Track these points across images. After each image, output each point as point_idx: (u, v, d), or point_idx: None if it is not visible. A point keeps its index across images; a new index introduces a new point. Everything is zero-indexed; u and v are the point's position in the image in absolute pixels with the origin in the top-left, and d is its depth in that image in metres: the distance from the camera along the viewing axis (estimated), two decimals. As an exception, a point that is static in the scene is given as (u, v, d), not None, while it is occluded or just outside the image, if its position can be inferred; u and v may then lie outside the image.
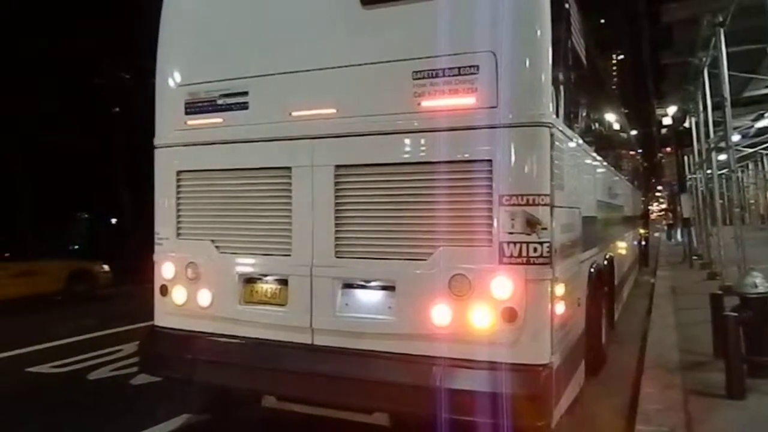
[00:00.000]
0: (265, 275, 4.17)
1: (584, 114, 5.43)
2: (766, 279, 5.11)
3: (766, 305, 5.01)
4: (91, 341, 8.21)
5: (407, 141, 3.73)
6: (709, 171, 13.25)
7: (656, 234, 34.14)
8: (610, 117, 8.76)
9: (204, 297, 4.29)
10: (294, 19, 4.14)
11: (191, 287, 4.34)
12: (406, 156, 3.73)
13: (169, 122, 4.53)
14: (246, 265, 4.21)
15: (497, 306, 3.43)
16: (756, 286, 5.04)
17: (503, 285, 3.43)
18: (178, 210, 4.46)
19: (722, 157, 13.72)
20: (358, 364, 3.74)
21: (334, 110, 3.93)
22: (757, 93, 13.11)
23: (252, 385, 4.12)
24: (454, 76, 3.56)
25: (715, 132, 12.86)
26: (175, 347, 4.38)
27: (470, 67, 3.53)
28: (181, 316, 4.40)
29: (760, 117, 15.74)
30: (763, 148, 18.47)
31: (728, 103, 9.05)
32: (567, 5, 4.51)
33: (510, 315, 3.40)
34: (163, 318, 4.53)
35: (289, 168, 4.03)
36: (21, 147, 21.01)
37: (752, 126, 17.13)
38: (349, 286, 3.89)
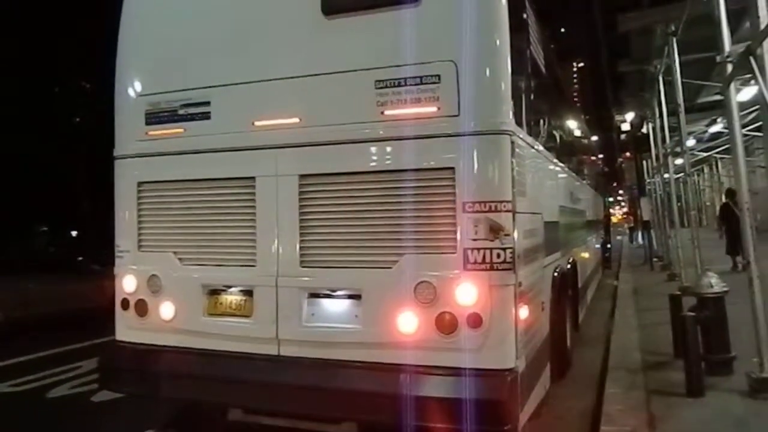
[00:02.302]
0: (230, 286, 4.12)
1: (545, 121, 5.54)
2: (721, 279, 5.27)
3: (722, 305, 5.17)
4: (49, 358, 7.97)
5: (371, 150, 3.75)
6: (666, 175, 13.63)
7: (618, 237, 34.98)
8: (571, 124, 8.96)
9: (167, 310, 4.21)
10: (256, 29, 4.12)
11: (153, 300, 4.26)
12: (370, 164, 3.75)
13: (129, 132, 4.45)
14: (210, 276, 4.15)
15: (462, 312, 3.46)
16: (712, 286, 5.20)
17: (468, 291, 3.46)
18: (140, 222, 4.38)
19: (679, 161, 14.14)
20: (326, 374, 3.73)
21: (297, 119, 3.92)
22: (710, 99, 13.58)
23: (217, 398, 4.06)
24: (416, 85, 3.60)
25: (671, 137, 13.27)
26: (137, 362, 4.28)
27: (432, 76, 3.57)
28: (143, 330, 4.31)
29: (714, 122, 16.29)
30: (717, 152, 19.08)
31: (682, 109, 9.37)
32: (525, 15, 4.60)
33: (475, 321, 3.43)
34: (124, 332, 4.43)
35: (252, 178, 4.00)
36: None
37: (706, 131, 17.72)
38: (315, 295, 3.88)
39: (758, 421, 4.07)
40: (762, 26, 4.10)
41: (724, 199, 15.11)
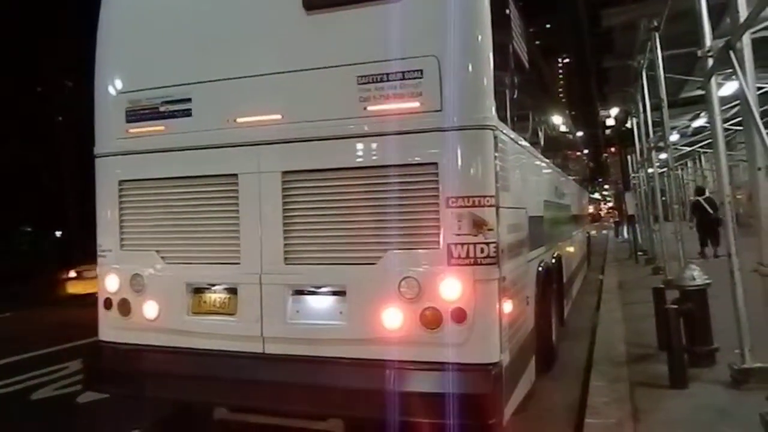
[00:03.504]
0: (214, 284, 4.09)
1: (528, 116, 5.55)
2: (703, 272, 5.33)
3: (705, 297, 5.23)
4: (33, 360, 7.89)
5: (353, 145, 3.73)
6: (650, 170, 13.75)
7: (604, 231, 35.28)
8: (555, 119, 8.99)
9: (150, 309, 4.18)
10: (236, 25, 4.09)
11: (137, 299, 4.23)
12: (353, 160, 3.73)
13: (110, 130, 4.40)
14: (193, 275, 4.13)
15: (447, 307, 3.46)
16: (694, 279, 5.26)
17: (452, 286, 3.46)
18: (122, 221, 4.34)
19: (663, 155, 14.26)
20: (311, 371, 3.72)
21: (279, 116, 3.90)
22: (693, 94, 13.70)
23: (203, 397, 4.04)
24: (398, 80, 3.59)
25: (654, 132, 13.37)
26: (121, 362, 4.26)
27: (414, 71, 3.56)
28: (126, 329, 4.27)
29: (696, 117, 16.44)
30: (700, 147, 19.28)
31: (665, 104, 9.44)
32: (508, 11, 4.60)
33: (459, 316, 3.44)
34: (108, 332, 4.39)
35: (235, 175, 3.98)
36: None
37: (689, 126, 17.89)
38: (299, 292, 3.87)
39: (740, 410, 4.11)
40: (741, 20, 4.14)
41: (694, 197, 15.76)
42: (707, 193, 14.45)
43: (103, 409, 5.28)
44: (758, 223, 4.06)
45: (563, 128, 10.51)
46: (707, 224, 13.85)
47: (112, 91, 4.42)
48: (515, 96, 4.58)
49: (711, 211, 13.54)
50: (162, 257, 4.20)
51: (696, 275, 5.28)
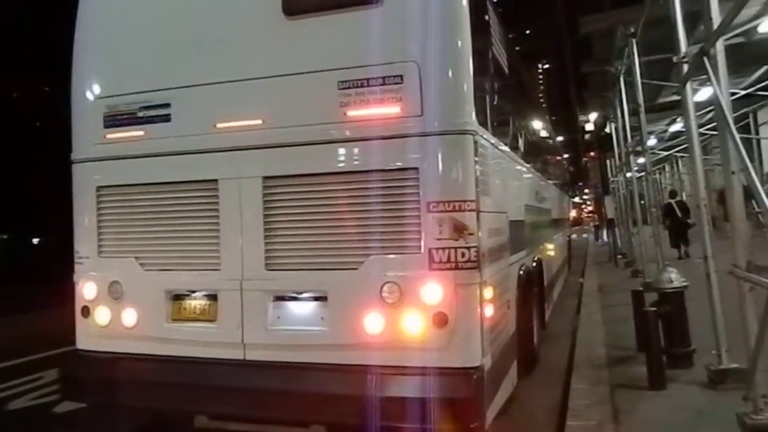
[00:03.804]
0: (194, 291, 4.06)
1: (508, 121, 5.60)
2: (680, 274, 5.40)
3: (682, 299, 5.31)
4: (8, 370, 7.73)
5: (334, 151, 3.73)
6: (628, 174, 13.93)
7: (584, 235, 35.68)
8: (535, 124, 9.07)
9: (129, 317, 4.14)
10: (217, 29, 4.07)
11: (115, 307, 4.17)
12: (334, 165, 3.73)
13: (87, 136, 4.35)
14: (173, 281, 4.09)
15: (428, 312, 3.47)
16: (672, 281, 5.33)
17: (433, 291, 3.47)
18: (99, 227, 4.29)
19: (641, 160, 14.44)
20: (292, 377, 3.70)
21: (259, 121, 3.89)
22: (670, 99, 13.91)
23: (183, 405, 3.99)
24: (379, 85, 3.60)
25: (632, 136, 13.55)
26: (99, 371, 4.20)
27: (394, 77, 3.57)
28: (105, 337, 4.22)
29: (673, 122, 16.69)
30: (677, 151, 19.56)
31: (642, 109, 9.58)
32: (487, 17, 4.64)
33: (441, 320, 3.45)
34: (85, 341, 4.33)
35: (215, 180, 3.96)
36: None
37: (666, 130, 18.15)
38: (280, 298, 3.85)
39: (717, 411, 4.17)
40: (714, 27, 4.21)
41: (667, 199, 16.33)
42: (683, 197, 14.88)
43: (80, 418, 5.19)
44: (733, 225, 4.12)
45: (543, 133, 10.61)
46: (677, 227, 14.48)
47: (89, 96, 4.37)
48: (495, 101, 4.62)
49: (680, 215, 14.14)
50: (141, 264, 4.16)
51: (673, 278, 5.35)
